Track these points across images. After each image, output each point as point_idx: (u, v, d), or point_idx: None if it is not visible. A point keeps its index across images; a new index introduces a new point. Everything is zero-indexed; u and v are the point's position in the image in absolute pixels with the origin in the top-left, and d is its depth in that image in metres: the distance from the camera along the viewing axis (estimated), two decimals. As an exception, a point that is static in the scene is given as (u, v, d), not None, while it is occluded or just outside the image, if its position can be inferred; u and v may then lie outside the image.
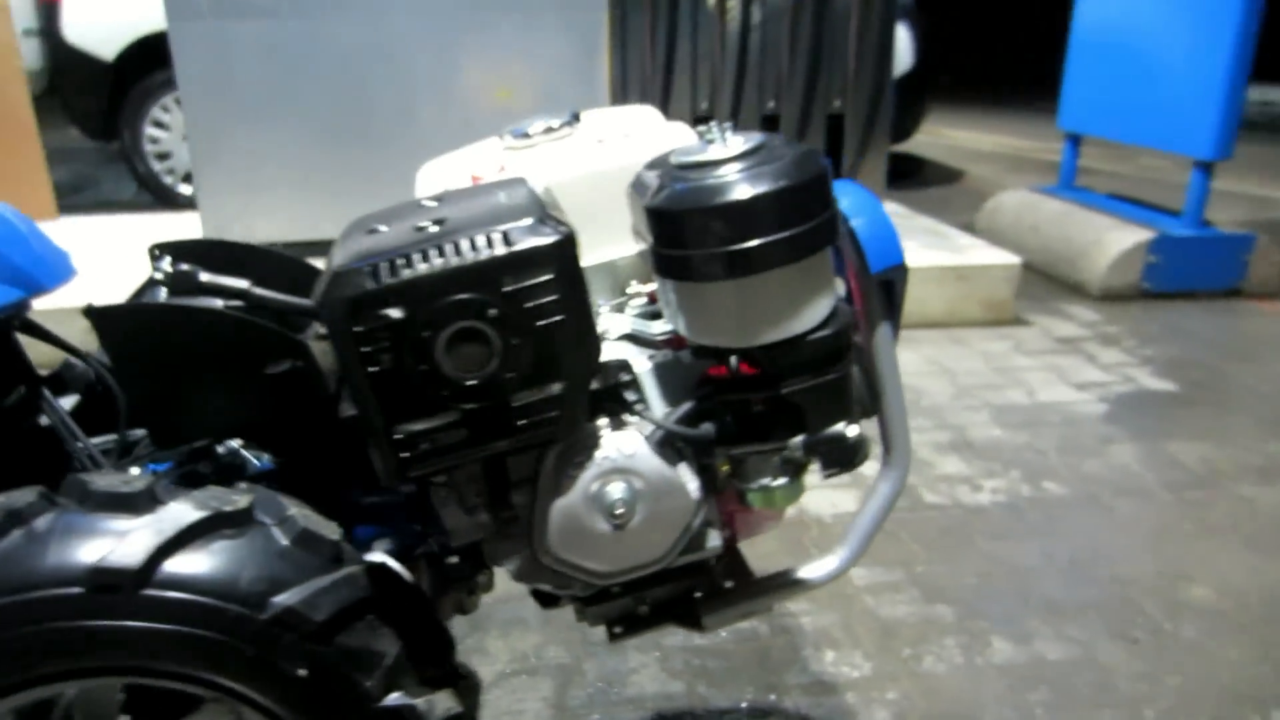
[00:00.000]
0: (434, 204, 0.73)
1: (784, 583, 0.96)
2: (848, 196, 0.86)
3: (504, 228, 0.63)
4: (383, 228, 0.68)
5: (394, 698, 0.76)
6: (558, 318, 0.65)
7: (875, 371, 0.89)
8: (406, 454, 0.66)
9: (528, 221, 0.64)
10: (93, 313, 0.82)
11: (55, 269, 0.90)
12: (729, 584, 1.00)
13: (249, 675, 0.73)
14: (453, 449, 0.67)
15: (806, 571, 0.95)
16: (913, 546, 1.66)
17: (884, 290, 0.87)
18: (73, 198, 4.20)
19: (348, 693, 0.74)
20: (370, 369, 0.62)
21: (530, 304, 0.64)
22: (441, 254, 0.62)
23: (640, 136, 0.91)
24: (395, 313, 0.61)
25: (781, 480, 0.77)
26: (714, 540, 0.80)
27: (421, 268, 0.61)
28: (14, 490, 0.71)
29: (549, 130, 0.92)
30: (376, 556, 0.82)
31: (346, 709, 0.75)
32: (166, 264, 0.91)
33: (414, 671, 0.79)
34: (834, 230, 0.71)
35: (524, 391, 0.67)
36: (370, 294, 0.60)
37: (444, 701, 0.80)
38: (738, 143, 0.72)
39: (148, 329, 0.84)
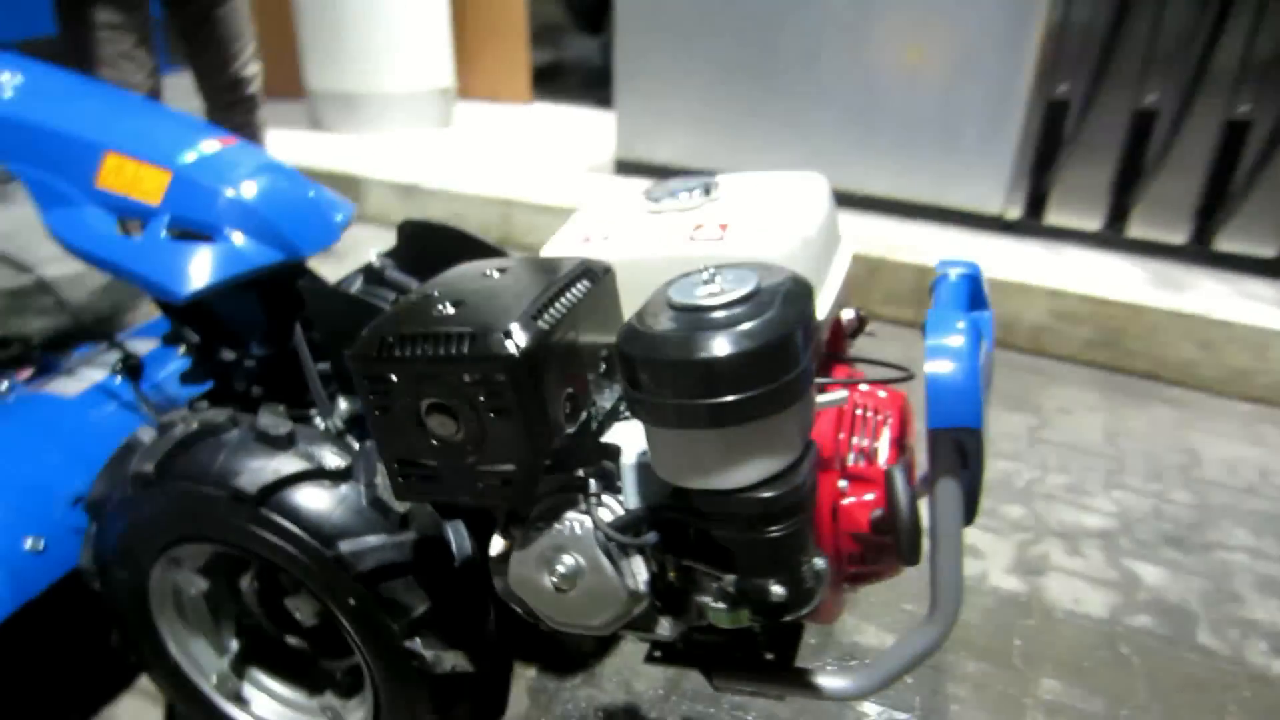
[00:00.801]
0: (489, 273, 0.86)
1: (799, 682, 0.99)
2: (946, 336, 0.81)
3: (477, 329, 0.75)
4: (434, 292, 0.83)
5: (414, 642, 0.98)
6: (507, 412, 0.76)
7: (933, 523, 0.86)
8: (399, 480, 0.83)
9: (503, 325, 0.74)
10: (304, 289, 1.12)
11: (318, 235, 1.20)
12: (770, 656, 1.05)
13: (321, 589, 0.99)
14: (430, 490, 0.82)
15: (823, 680, 0.97)
16: None
17: (955, 447, 0.82)
18: (550, 83, 4.81)
19: (379, 627, 0.98)
20: (375, 410, 0.79)
21: (483, 398, 0.75)
22: (429, 340, 0.76)
23: (746, 234, 0.93)
24: (391, 376, 0.77)
25: (720, 605, 0.80)
26: (664, 628, 0.87)
27: (414, 350, 0.76)
28: (217, 409, 1.04)
29: (671, 196, 0.99)
30: (449, 530, 1.02)
31: (376, 638, 0.99)
32: (374, 255, 1.18)
33: (441, 629, 0.99)
34: (786, 398, 0.70)
35: (482, 463, 0.79)
36: (376, 355, 0.77)
37: (456, 659, 1.00)
38: (730, 286, 0.74)
39: (332, 310, 1.11)
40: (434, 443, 0.79)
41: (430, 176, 3.20)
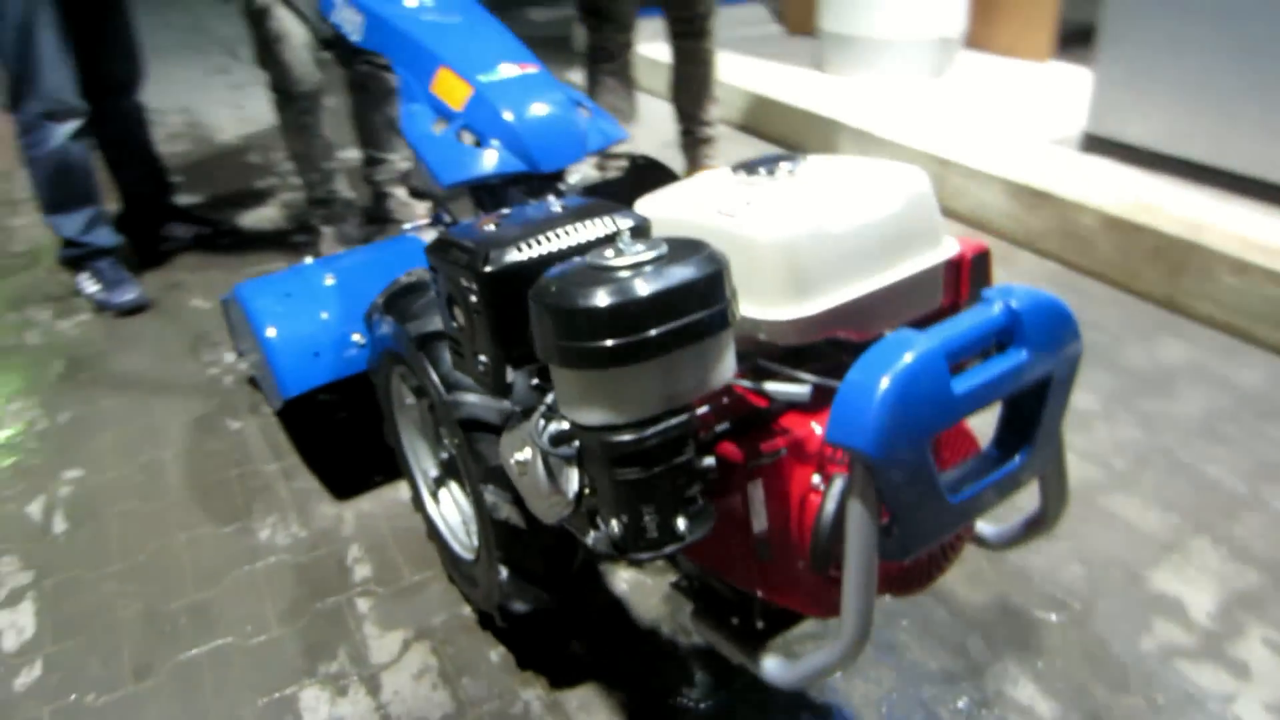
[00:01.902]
0: (553, 209, 1.05)
1: (747, 652, 1.06)
2: (885, 353, 0.81)
3: (478, 248, 0.94)
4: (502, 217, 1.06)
5: (486, 487, 1.25)
6: (480, 314, 0.95)
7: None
8: (449, 351, 1.09)
9: (488, 249, 0.93)
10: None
11: (559, 157, 1.45)
12: (760, 624, 1.13)
13: (445, 426, 1.31)
14: (459, 365, 1.07)
15: (764, 660, 1.03)
16: None
17: (865, 471, 0.82)
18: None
19: (468, 468, 1.27)
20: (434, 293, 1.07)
21: (471, 299, 0.96)
22: (456, 249, 0.98)
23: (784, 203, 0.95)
24: (437, 270, 1.03)
25: (593, 530, 0.91)
26: (591, 538, 0.99)
27: (448, 253, 1.00)
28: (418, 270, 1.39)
29: (751, 171, 1.03)
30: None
31: (468, 477, 1.28)
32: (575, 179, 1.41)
33: (506, 484, 1.22)
34: (624, 356, 0.78)
35: (474, 351, 1.01)
36: (434, 250, 1.03)
37: (511, 512, 1.24)
38: (630, 254, 0.82)
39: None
40: (454, 325, 1.03)
41: (880, 124, 3.25)
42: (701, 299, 0.82)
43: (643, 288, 0.80)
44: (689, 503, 0.89)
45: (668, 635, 1.49)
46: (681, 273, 0.81)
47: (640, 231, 1.01)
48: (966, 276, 1.09)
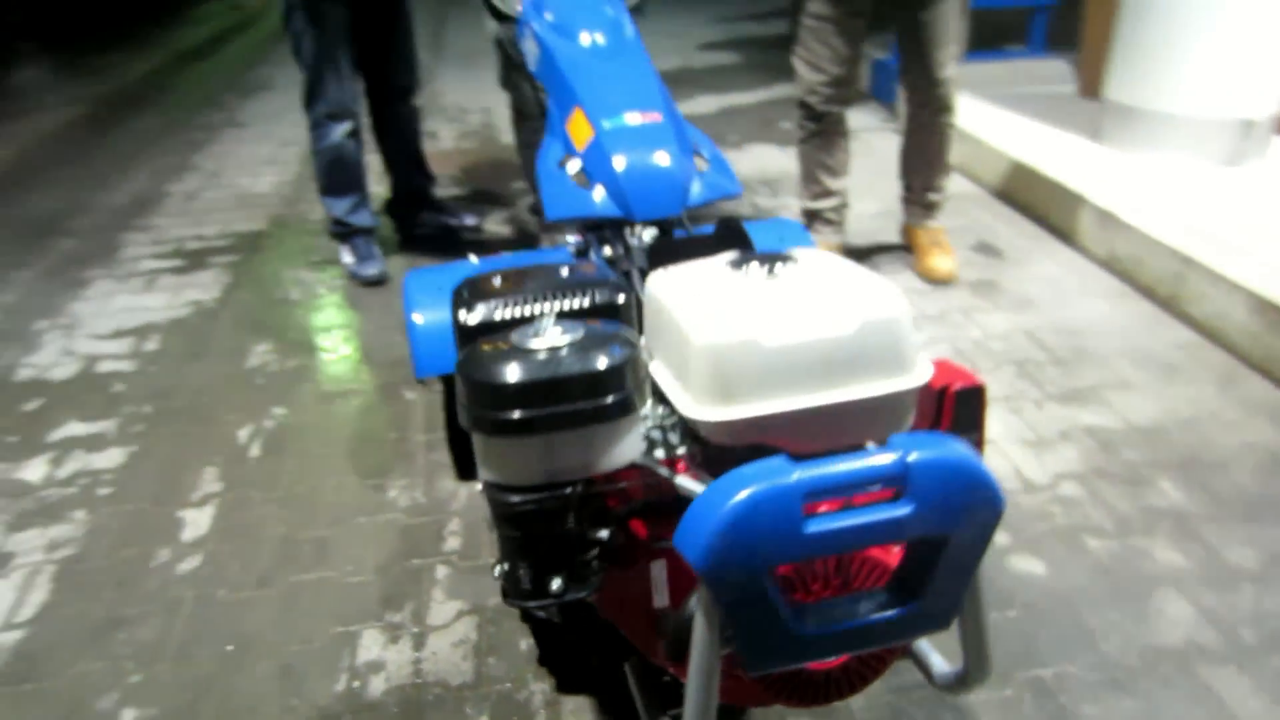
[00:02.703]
0: (561, 272, 1.19)
1: (650, 713, 1.14)
2: None
3: (470, 303, 1.13)
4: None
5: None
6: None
7: None
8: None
9: (478, 305, 1.11)
10: None
11: (654, 208, 1.56)
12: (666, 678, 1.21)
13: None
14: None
15: None
16: None
17: None
18: None
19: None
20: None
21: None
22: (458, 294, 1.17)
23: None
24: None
25: None
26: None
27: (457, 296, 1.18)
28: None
29: (740, 266, 1.08)
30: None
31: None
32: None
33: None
34: (505, 429, 0.90)
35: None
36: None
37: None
38: (548, 337, 0.95)
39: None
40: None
41: (1130, 205, 3.03)
42: (589, 389, 0.92)
43: (529, 372, 0.91)
44: (571, 566, 0.99)
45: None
46: (575, 363, 0.92)
47: (608, 309, 1.12)
48: (950, 408, 1.08)
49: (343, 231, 3.09)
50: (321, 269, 3.24)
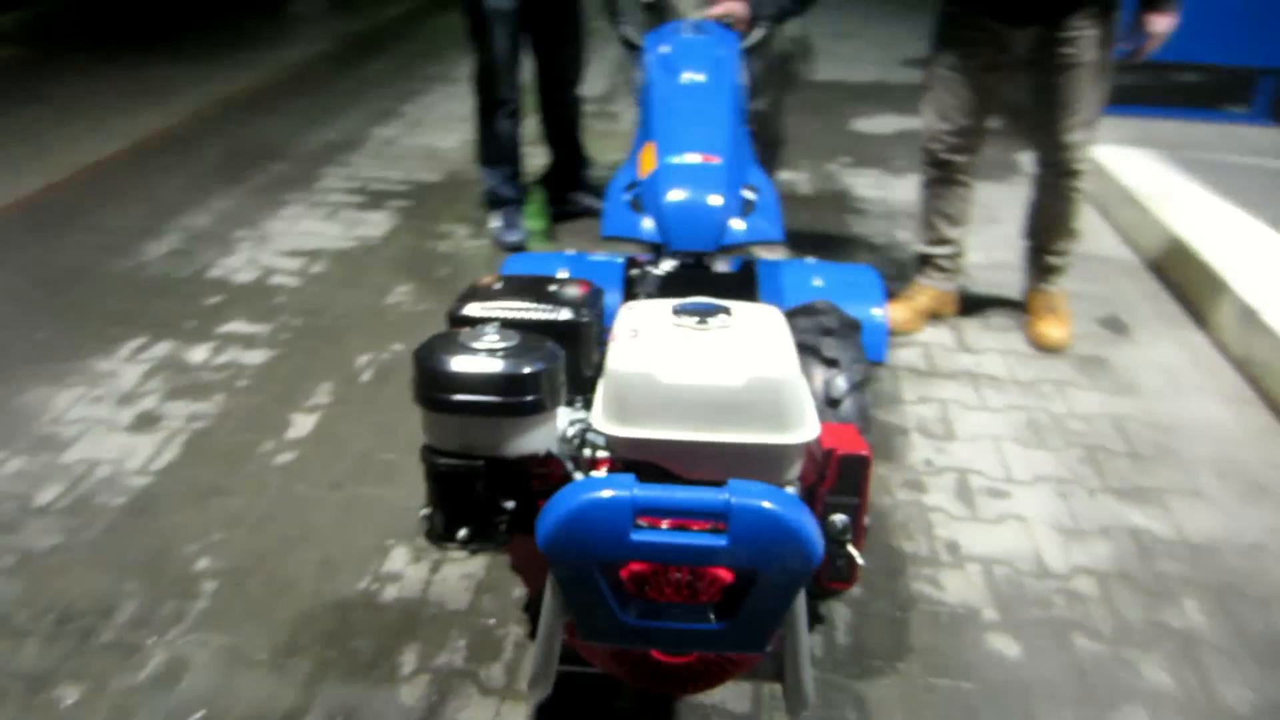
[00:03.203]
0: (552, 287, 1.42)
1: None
2: None
3: (463, 299, 1.36)
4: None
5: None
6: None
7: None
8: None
9: (467, 302, 1.36)
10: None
11: (692, 242, 1.72)
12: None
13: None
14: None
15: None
16: None
17: None
18: None
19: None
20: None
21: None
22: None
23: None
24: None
25: None
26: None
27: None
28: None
29: (678, 313, 1.22)
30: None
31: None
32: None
33: None
34: (436, 406, 1.14)
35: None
36: None
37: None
38: (491, 341, 1.17)
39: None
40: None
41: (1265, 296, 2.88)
42: (500, 387, 1.14)
43: (455, 365, 1.15)
44: (477, 521, 1.22)
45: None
46: (493, 365, 1.15)
47: (564, 326, 1.34)
48: (833, 471, 1.23)
49: (493, 199, 3.43)
50: (472, 228, 3.61)
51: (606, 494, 1.02)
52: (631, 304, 1.35)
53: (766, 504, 1.01)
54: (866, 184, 4.14)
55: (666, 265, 1.75)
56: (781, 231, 1.82)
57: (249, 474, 2.24)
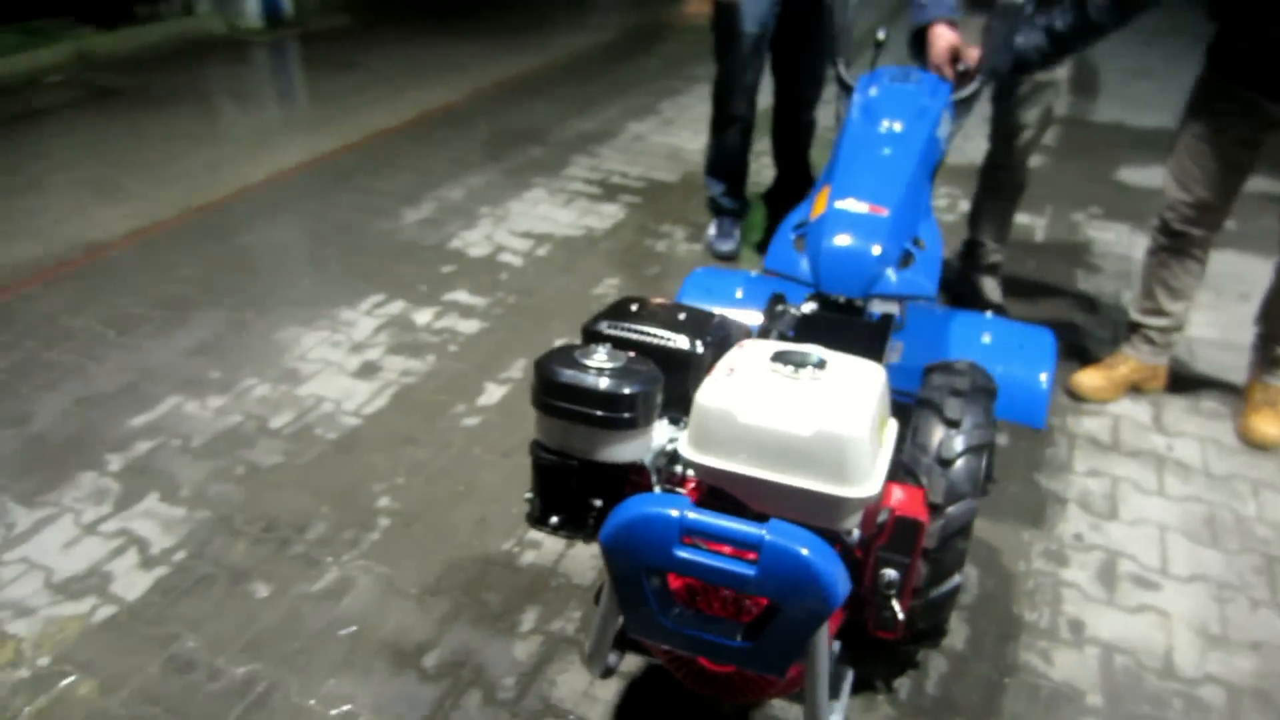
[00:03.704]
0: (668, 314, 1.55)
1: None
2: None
3: (600, 316, 1.53)
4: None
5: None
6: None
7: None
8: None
9: (601, 321, 1.52)
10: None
11: (840, 287, 1.78)
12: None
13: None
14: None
15: None
16: None
17: None
18: None
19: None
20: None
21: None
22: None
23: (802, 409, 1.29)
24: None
25: None
26: None
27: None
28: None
29: (775, 359, 1.35)
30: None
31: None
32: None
33: None
34: (549, 411, 1.31)
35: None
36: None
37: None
38: (599, 359, 1.33)
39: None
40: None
41: None
42: (598, 402, 1.31)
43: (565, 377, 1.33)
44: (569, 513, 1.41)
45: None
46: (596, 381, 1.32)
47: (678, 354, 1.48)
48: (889, 529, 1.31)
49: (714, 208, 3.61)
50: (691, 232, 3.81)
51: (660, 510, 1.19)
52: (745, 342, 1.48)
53: (796, 545, 1.14)
54: (1110, 239, 3.93)
55: (808, 307, 1.85)
56: (934, 288, 1.86)
57: (439, 430, 2.57)
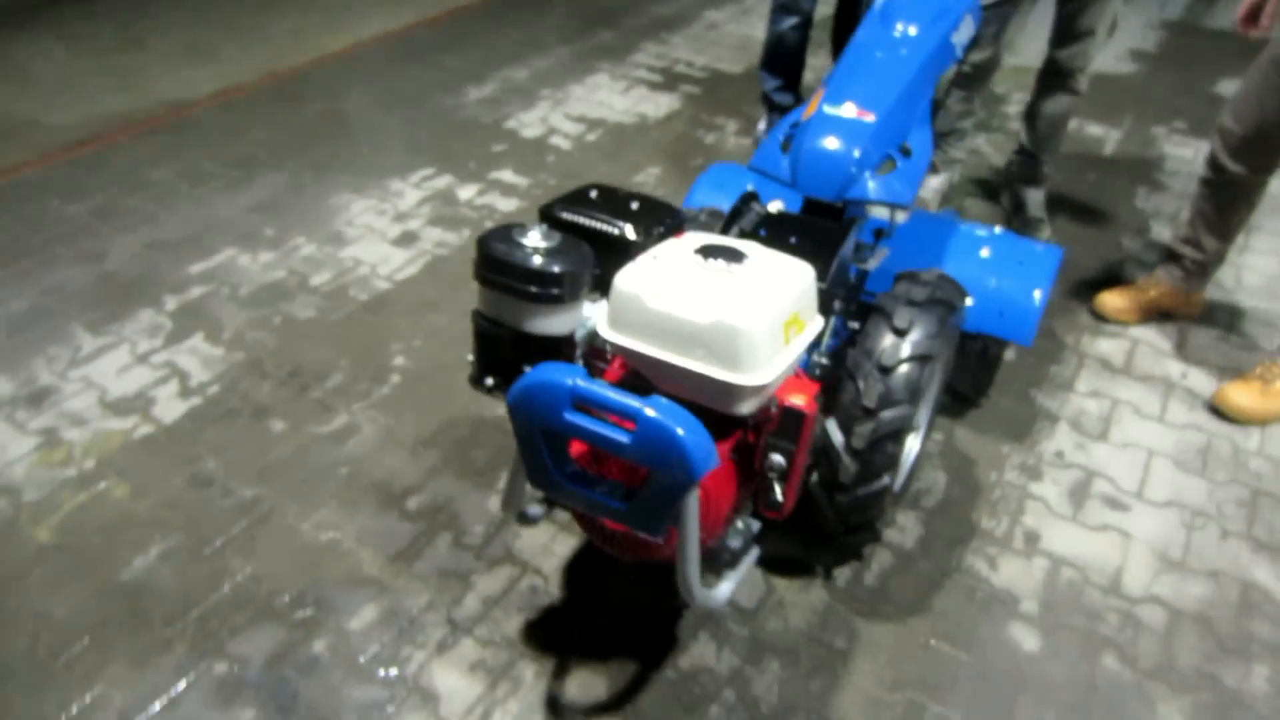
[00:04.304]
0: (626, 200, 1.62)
1: None
2: None
3: (558, 200, 1.61)
4: None
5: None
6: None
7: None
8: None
9: (558, 204, 1.61)
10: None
11: (812, 188, 1.80)
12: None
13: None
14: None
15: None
16: None
17: None
18: None
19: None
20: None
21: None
22: None
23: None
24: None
25: None
26: None
27: None
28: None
29: (703, 255, 1.42)
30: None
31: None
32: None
33: None
34: (481, 279, 1.42)
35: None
36: None
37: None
38: (532, 237, 1.43)
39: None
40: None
41: None
42: (526, 277, 1.41)
43: (501, 253, 1.43)
44: (503, 375, 1.54)
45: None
46: (528, 258, 1.42)
47: (614, 239, 1.56)
48: (778, 416, 1.40)
49: (767, 103, 3.58)
50: (744, 125, 3.79)
51: (555, 378, 1.30)
52: (686, 234, 1.55)
53: (666, 419, 1.24)
54: (1186, 156, 3.74)
55: (774, 206, 1.89)
56: (911, 198, 1.86)
57: (458, 300, 2.73)
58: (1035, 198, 3.14)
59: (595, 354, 1.58)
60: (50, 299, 2.70)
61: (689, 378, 1.37)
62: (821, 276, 1.63)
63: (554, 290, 1.46)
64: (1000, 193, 3.27)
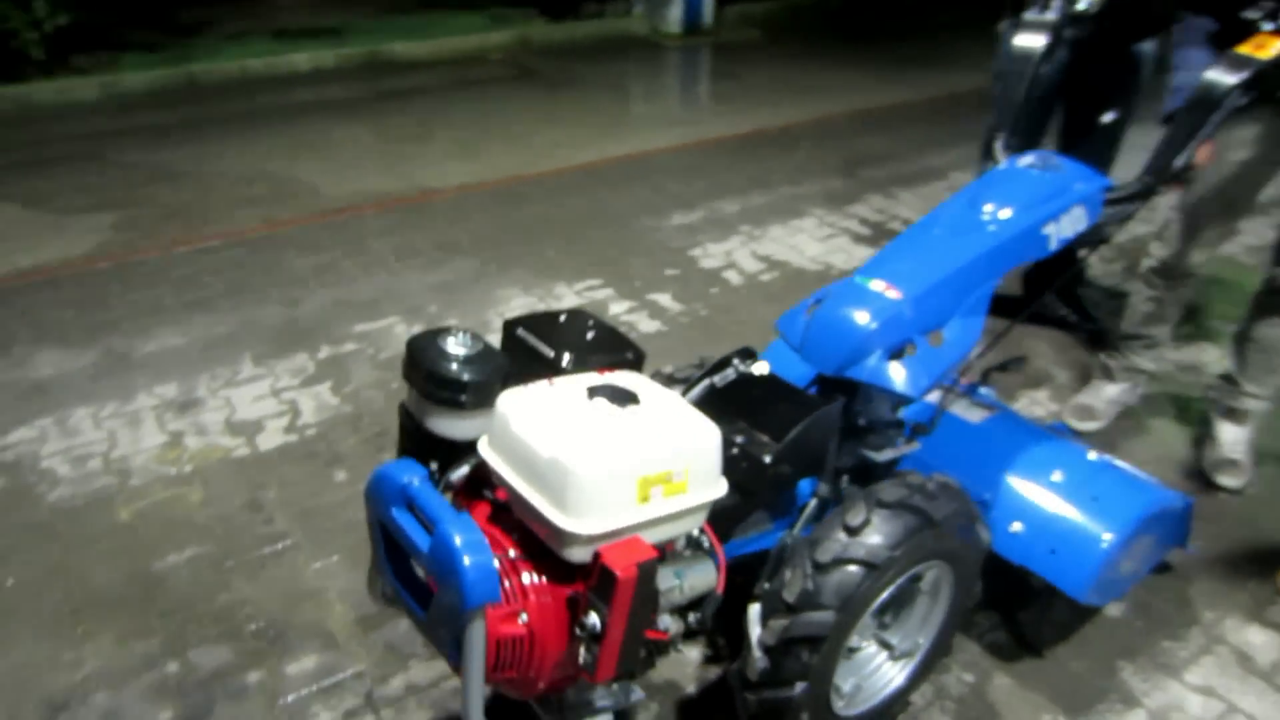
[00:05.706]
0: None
1: None
2: None
3: (512, 323, 1.66)
4: None
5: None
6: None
7: None
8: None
9: (519, 327, 1.65)
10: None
11: (818, 359, 1.68)
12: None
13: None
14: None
15: None
16: None
17: None
18: None
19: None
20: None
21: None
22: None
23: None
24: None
25: None
26: None
27: None
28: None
29: (589, 392, 1.39)
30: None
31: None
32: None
33: None
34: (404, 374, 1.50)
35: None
36: None
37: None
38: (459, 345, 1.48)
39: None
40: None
41: None
42: (435, 381, 1.44)
43: (418, 353, 1.47)
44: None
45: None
46: (437, 361, 1.46)
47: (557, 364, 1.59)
48: (595, 571, 1.31)
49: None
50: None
51: (394, 474, 1.36)
52: (607, 373, 1.56)
53: (456, 538, 1.25)
54: None
55: (759, 368, 1.82)
56: (921, 390, 1.70)
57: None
58: (1233, 435, 2.64)
59: (483, 467, 1.61)
60: (243, 330, 3.19)
61: (528, 509, 1.36)
62: (768, 450, 1.57)
63: (460, 396, 1.51)
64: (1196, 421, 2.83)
